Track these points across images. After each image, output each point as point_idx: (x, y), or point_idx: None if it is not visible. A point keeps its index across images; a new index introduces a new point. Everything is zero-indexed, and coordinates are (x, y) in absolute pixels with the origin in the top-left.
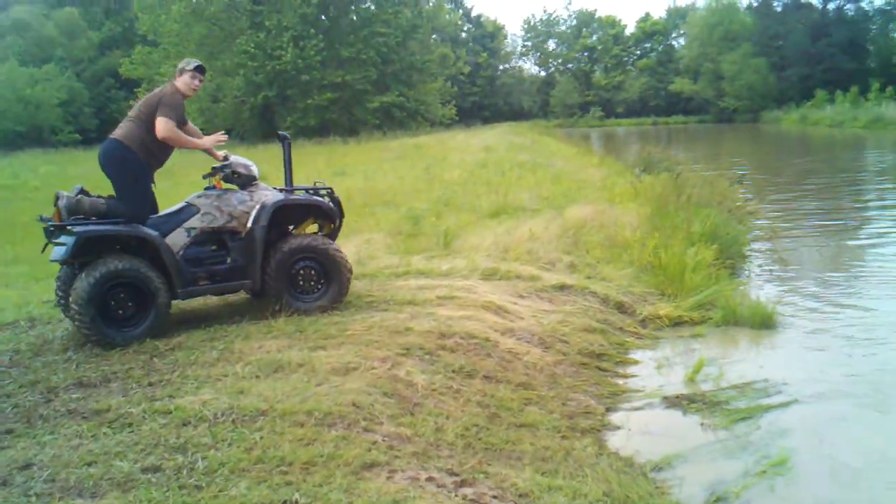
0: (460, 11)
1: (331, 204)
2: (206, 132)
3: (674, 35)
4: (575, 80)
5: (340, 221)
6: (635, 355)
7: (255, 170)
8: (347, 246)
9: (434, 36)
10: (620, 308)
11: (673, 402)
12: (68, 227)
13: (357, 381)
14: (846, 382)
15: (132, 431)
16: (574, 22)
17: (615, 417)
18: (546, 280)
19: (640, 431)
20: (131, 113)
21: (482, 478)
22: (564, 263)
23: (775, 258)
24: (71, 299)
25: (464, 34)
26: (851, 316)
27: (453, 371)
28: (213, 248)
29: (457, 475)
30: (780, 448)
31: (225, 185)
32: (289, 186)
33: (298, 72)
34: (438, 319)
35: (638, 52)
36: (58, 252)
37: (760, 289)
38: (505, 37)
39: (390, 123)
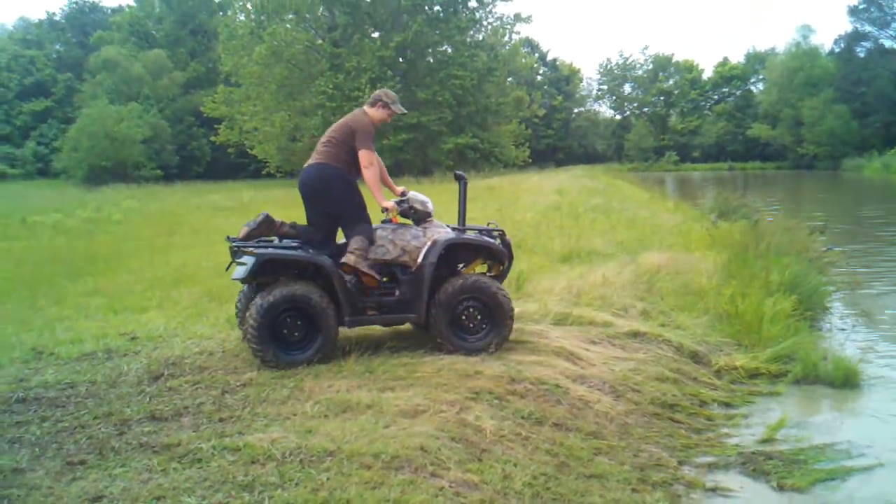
0: (536, 55)
1: (501, 246)
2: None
3: (752, 80)
4: (650, 123)
5: (509, 264)
6: (710, 408)
7: (430, 206)
8: None
9: (510, 79)
10: (695, 357)
11: (749, 458)
12: (250, 249)
13: (425, 425)
14: None
15: (201, 467)
16: (650, 66)
17: (688, 471)
18: (618, 326)
19: (713, 487)
20: (325, 139)
21: None
22: (637, 310)
23: (858, 311)
24: (246, 318)
25: (539, 77)
26: None
27: (522, 417)
28: (384, 279)
29: None
30: None
31: (401, 220)
32: (461, 225)
33: None
34: (509, 363)
35: (715, 97)
36: (239, 271)
37: (842, 343)
38: (580, 80)
39: (464, 164)
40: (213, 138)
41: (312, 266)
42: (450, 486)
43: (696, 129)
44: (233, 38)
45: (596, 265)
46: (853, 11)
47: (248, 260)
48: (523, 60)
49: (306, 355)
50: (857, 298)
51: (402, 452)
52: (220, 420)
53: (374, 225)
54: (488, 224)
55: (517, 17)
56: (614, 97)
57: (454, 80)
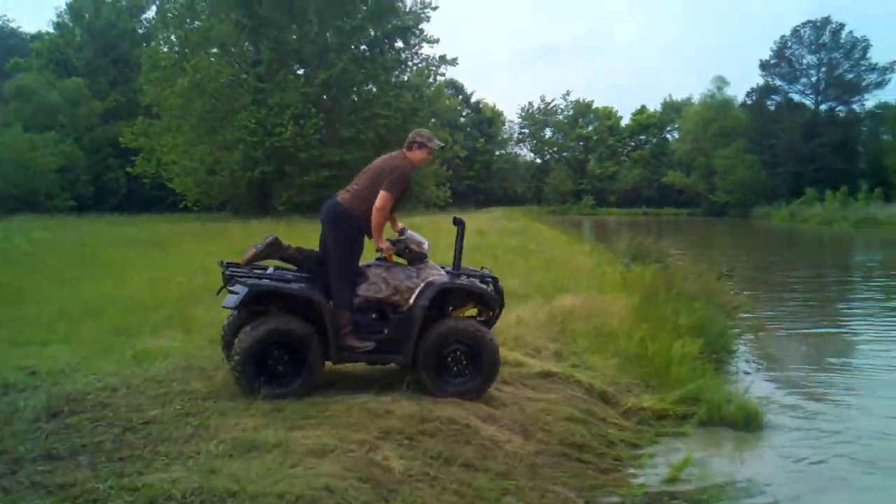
0: (460, 97)
1: (493, 293)
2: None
3: (668, 128)
4: (569, 168)
5: (500, 311)
6: (617, 448)
7: (426, 248)
8: None
9: (433, 120)
10: (604, 398)
11: (654, 498)
12: (244, 279)
13: (332, 464)
14: (829, 485)
15: None
16: (571, 112)
17: None
18: (531, 366)
19: None
20: (361, 177)
21: None
22: (550, 351)
23: (761, 354)
24: (234, 349)
25: (463, 119)
26: (836, 415)
27: (432, 457)
28: (374, 317)
29: None
30: None
31: (395, 259)
32: (456, 269)
33: (297, 149)
34: (421, 403)
35: (632, 144)
36: (230, 300)
37: (746, 386)
38: (503, 123)
39: None
40: (129, 169)
41: (304, 300)
42: None
43: (614, 174)
44: (155, 70)
45: (511, 306)
46: (764, 66)
47: (240, 289)
48: (447, 102)
49: (289, 388)
50: (762, 342)
51: (308, 493)
52: (120, 459)
53: (368, 262)
54: (482, 268)
55: (442, 59)
56: (535, 141)
57: (378, 119)
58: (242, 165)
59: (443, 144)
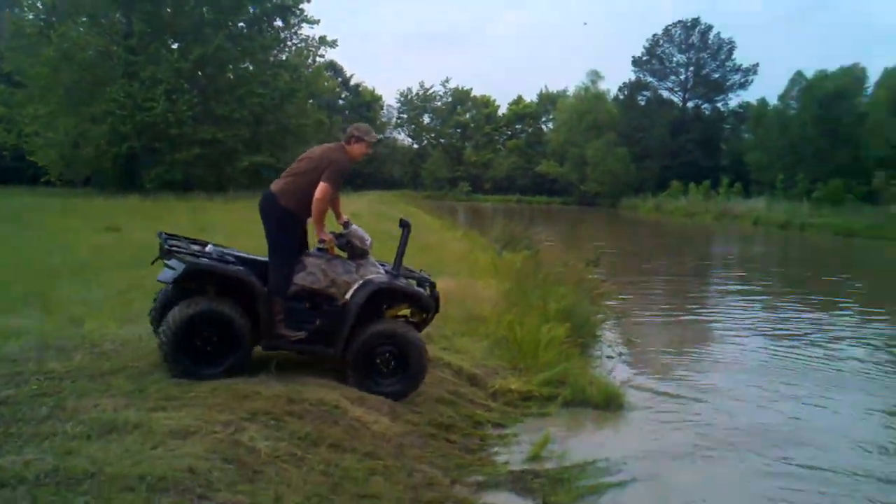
0: (339, 79)
1: (429, 297)
2: (65, 178)
3: (543, 119)
4: (446, 154)
5: (433, 315)
6: (484, 429)
7: (368, 244)
8: None
9: (311, 101)
10: (473, 380)
11: (518, 477)
12: (182, 255)
13: (196, 446)
14: (683, 461)
15: None
16: (449, 99)
17: (460, 490)
18: None
19: None
20: (296, 166)
21: None
22: (422, 334)
23: (624, 339)
24: (163, 325)
25: (342, 102)
26: (691, 396)
27: (299, 438)
28: (308, 306)
29: None
30: None
31: (338, 251)
32: (396, 270)
33: (168, 125)
34: (289, 384)
35: (508, 133)
36: (166, 274)
37: (608, 368)
38: (382, 107)
39: (259, 183)
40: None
41: (240, 283)
42: None
43: (489, 162)
44: (19, 37)
45: None
46: (636, 62)
47: (177, 265)
48: (326, 84)
49: (217, 370)
50: (624, 327)
51: (170, 474)
52: None
53: (309, 252)
54: (420, 271)
55: (322, 41)
56: (413, 126)
57: (254, 97)
58: (109, 140)
59: (379, 137)
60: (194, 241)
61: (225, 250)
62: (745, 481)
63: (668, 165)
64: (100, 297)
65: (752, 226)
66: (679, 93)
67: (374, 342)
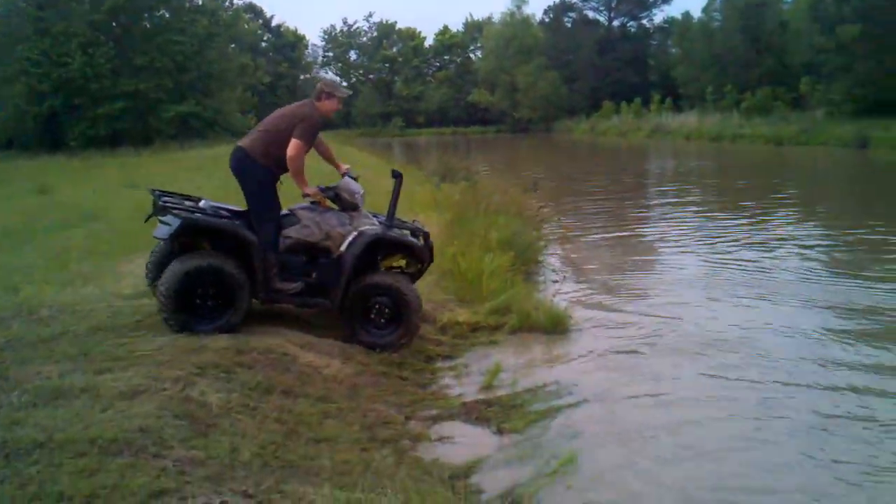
0: (260, 21)
1: (424, 247)
2: None
3: (471, 48)
4: (376, 90)
5: (427, 265)
6: (435, 363)
7: (359, 199)
8: (138, 262)
9: (233, 45)
10: (421, 316)
11: (471, 408)
12: (177, 211)
13: (146, 405)
14: (632, 376)
15: None
16: (374, 33)
17: (415, 426)
18: None
19: (439, 439)
20: (264, 124)
21: (278, 497)
22: None
23: (566, 261)
24: (160, 282)
25: (264, 44)
26: (635, 311)
27: (250, 388)
28: (304, 260)
29: (252, 496)
30: (569, 447)
31: (329, 204)
32: (390, 220)
33: (87, 80)
34: (236, 335)
35: (437, 64)
36: (161, 230)
37: (553, 293)
38: (306, 46)
39: (187, 133)
40: None
41: (235, 238)
42: (174, 465)
43: (420, 95)
44: None
45: None
46: None
47: (173, 221)
48: (246, 26)
49: (215, 325)
50: (567, 250)
51: (121, 436)
52: None
53: (302, 205)
54: (413, 221)
55: None
56: (340, 64)
57: (173, 45)
58: (27, 100)
59: (350, 92)
60: (187, 197)
61: (218, 205)
62: (695, 389)
63: (598, 86)
64: (34, 262)
65: (684, 140)
66: (604, 12)
67: (369, 293)
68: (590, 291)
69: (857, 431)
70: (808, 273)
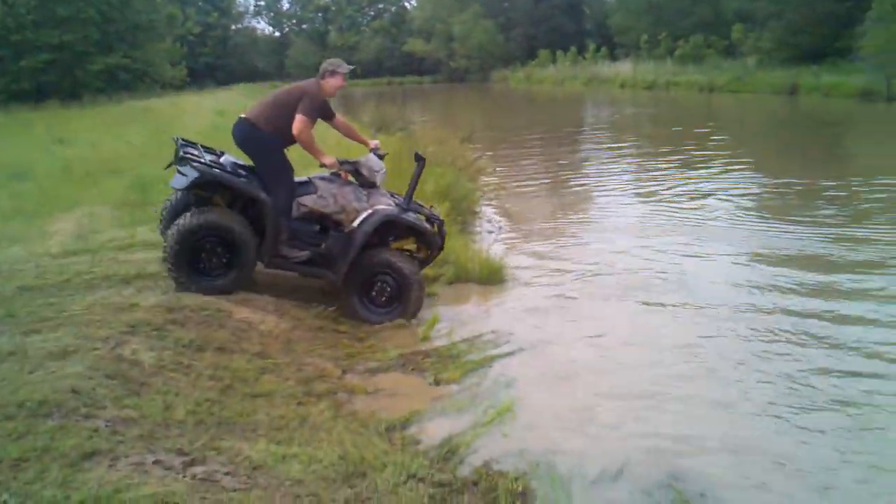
0: None
1: (436, 235)
2: None
3: None
4: (310, 40)
5: (437, 253)
6: None
7: (378, 177)
8: (67, 220)
9: None
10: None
11: (408, 359)
12: (196, 164)
13: (77, 365)
14: (566, 327)
15: None
16: None
17: (352, 379)
18: None
19: (376, 391)
20: (272, 96)
21: (214, 454)
22: None
23: (503, 212)
24: (169, 234)
25: None
26: (572, 260)
27: (183, 346)
28: (315, 229)
29: (186, 454)
30: (506, 395)
31: (351, 178)
32: (407, 203)
33: (8, 32)
34: (168, 293)
35: (372, 13)
36: (178, 180)
37: (489, 243)
38: None
39: (116, 86)
40: None
41: (250, 198)
42: (105, 426)
43: (356, 45)
44: None
45: None
46: None
47: (189, 173)
48: None
49: (220, 283)
50: (503, 200)
51: (51, 397)
52: None
53: (322, 175)
54: (431, 207)
55: None
56: (272, 13)
57: None
58: None
59: (352, 67)
60: (209, 150)
61: (239, 162)
62: (629, 334)
63: (534, 35)
64: None
65: (620, 89)
66: None
67: (375, 270)
68: (525, 241)
69: (786, 373)
70: (738, 219)
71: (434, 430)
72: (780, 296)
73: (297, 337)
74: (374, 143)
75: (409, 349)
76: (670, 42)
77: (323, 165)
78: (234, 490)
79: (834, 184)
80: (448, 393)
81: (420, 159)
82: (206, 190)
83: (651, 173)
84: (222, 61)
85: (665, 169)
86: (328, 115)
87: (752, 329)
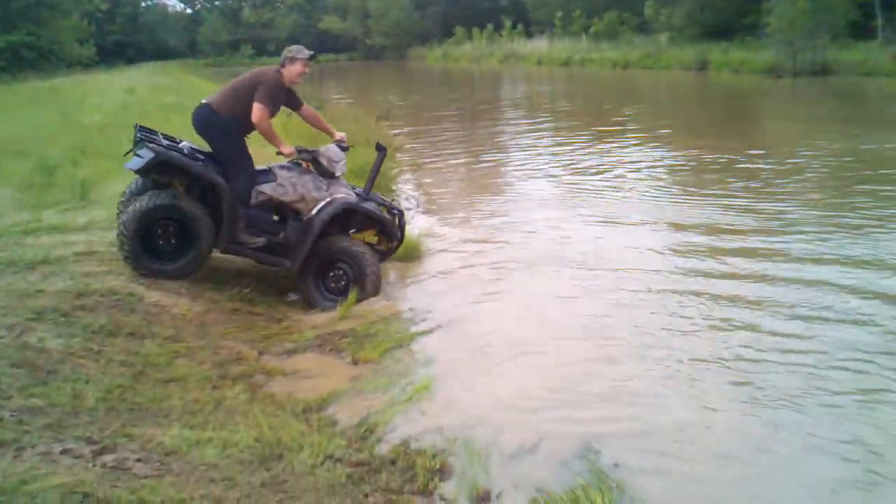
0: None
1: (395, 226)
2: None
3: None
4: (223, 17)
5: (398, 246)
6: (288, 297)
7: (338, 168)
8: None
9: None
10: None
11: (325, 339)
12: (150, 145)
13: None
14: (484, 303)
15: None
16: None
17: (268, 361)
18: None
19: (293, 373)
20: (231, 83)
21: (125, 441)
22: None
23: (419, 189)
24: (124, 216)
25: None
26: (489, 236)
27: (93, 332)
28: (273, 218)
29: (96, 443)
30: (424, 373)
31: (312, 168)
32: (366, 193)
33: None
34: (76, 278)
35: None
36: (133, 162)
37: (406, 220)
38: None
39: (20, 65)
40: None
41: (207, 182)
42: (11, 416)
43: (270, 22)
44: None
45: None
46: None
47: (145, 154)
48: None
49: (173, 267)
50: (420, 177)
51: None
52: None
53: (282, 164)
54: (392, 201)
55: None
56: None
57: None
58: None
59: (312, 53)
60: (168, 138)
61: (198, 148)
62: (546, 309)
63: (450, 12)
64: None
65: (536, 66)
66: None
67: (333, 257)
68: (442, 217)
69: (702, 344)
70: (653, 192)
71: (352, 410)
72: (695, 264)
73: (212, 320)
74: (339, 134)
75: (327, 329)
76: (584, 19)
77: (281, 154)
78: (146, 477)
79: (743, 156)
80: (366, 372)
81: (381, 149)
82: (163, 174)
83: (566, 148)
84: (132, 39)
85: (580, 143)
86: (295, 104)
87: (665, 299)
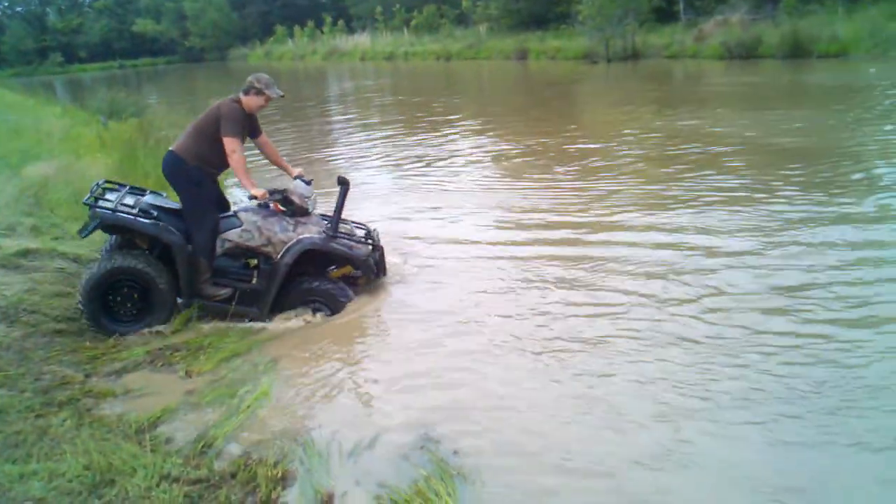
0: None
1: (367, 259)
2: None
3: None
4: (27, 23)
5: (376, 276)
6: None
7: (311, 204)
8: None
9: None
10: None
11: (157, 355)
12: (95, 210)
13: None
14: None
15: None
16: None
17: (97, 383)
18: (6, 247)
19: (123, 393)
20: (191, 125)
21: None
22: (26, 227)
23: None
24: (79, 283)
25: None
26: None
27: None
28: (242, 264)
29: None
30: (264, 380)
31: (282, 208)
32: (334, 230)
33: None
34: None
35: None
36: (83, 228)
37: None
38: None
39: None
40: None
41: (157, 240)
42: None
43: (79, 27)
44: None
45: None
46: None
47: (92, 219)
48: None
49: (137, 327)
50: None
51: None
52: None
53: (246, 206)
54: (374, 231)
55: None
56: None
57: None
58: None
59: (282, 94)
60: (135, 189)
61: (160, 203)
62: (383, 295)
63: (268, 10)
64: None
65: (360, 61)
66: None
67: (304, 299)
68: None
69: (540, 327)
70: (487, 182)
71: (187, 426)
72: (534, 246)
73: (33, 345)
74: (297, 170)
75: (158, 345)
76: (404, 13)
77: (252, 198)
78: None
79: (567, 139)
80: (201, 385)
81: (343, 183)
82: (122, 233)
83: (393, 141)
84: None
85: (411, 138)
86: (255, 132)
87: (498, 285)
